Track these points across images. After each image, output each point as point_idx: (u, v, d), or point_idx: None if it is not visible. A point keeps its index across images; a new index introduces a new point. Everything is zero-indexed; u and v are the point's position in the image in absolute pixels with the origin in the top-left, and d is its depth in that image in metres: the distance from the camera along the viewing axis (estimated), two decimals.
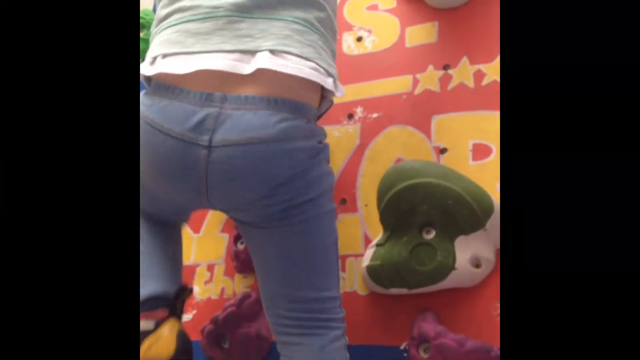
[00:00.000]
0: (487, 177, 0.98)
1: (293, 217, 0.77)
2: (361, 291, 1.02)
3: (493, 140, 1.00)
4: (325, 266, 0.82)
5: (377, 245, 0.96)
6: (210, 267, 1.16)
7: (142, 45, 1.33)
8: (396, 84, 1.13)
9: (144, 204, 0.84)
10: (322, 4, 0.80)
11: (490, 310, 0.91)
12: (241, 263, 1.10)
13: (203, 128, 0.70)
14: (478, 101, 1.04)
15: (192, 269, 1.17)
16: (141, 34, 1.35)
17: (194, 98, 0.71)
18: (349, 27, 1.23)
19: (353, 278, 1.03)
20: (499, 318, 0.90)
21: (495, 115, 1.01)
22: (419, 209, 0.93)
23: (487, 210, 0.90)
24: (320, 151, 0.79)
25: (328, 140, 1.15)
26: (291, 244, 0.79)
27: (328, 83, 0.76)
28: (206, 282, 1.15)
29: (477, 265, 0.91)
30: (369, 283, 0.98)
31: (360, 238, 1.05)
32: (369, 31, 1.21)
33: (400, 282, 0.93)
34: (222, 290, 1.14)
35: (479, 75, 1.05)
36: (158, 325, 0.81)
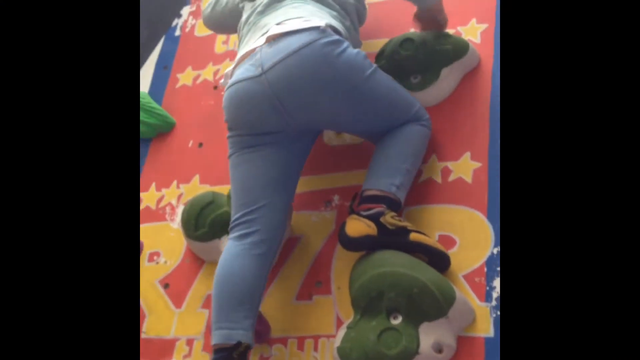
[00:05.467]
0: (450, 267, 1.06)
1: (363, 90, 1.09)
2: None
3: (457, 232, 1.09)
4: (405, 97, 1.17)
5: (348, 327, 1.03)
6: (190, 342, 1.21)
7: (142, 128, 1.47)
8: None
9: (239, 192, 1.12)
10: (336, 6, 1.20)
11: None
12: None
13: (256, 66, 1.07)
14: (445, 195, 1.13)
15: (172, 343, 1.22)
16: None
17: (246, 60, 1.10)
18: None
19: (325, 358, 1.08)
20: None
21: (460, 209, 1.11)
22: (387, 296, 1.00)
23: (450, 300, 0.98)
24: (342, 42, 1.09)
25: (305, 226, 1.24)
26: (376, 94, 1.11)
27: (321, 25, 1.08)
28: (185, 357, 1.19)
29: (440, 351, 0.98)
30: None
31: (332, 319, 1.11)
32: None
33: None
34: None
35: (446, 172, 1.15)
36: None
